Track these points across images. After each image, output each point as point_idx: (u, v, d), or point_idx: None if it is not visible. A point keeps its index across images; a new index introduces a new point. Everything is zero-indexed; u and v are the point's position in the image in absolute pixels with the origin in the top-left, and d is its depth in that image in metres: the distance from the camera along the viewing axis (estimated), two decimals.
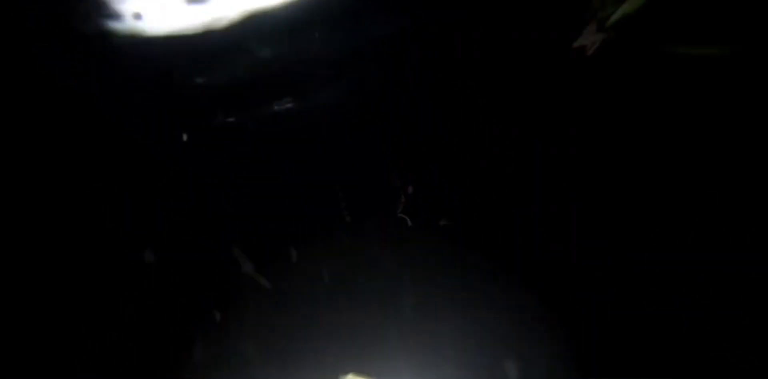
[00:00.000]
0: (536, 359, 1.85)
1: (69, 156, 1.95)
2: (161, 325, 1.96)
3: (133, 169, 2.00)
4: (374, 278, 1.96)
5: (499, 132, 2.01)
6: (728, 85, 1.86)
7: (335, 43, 1.93)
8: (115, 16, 1.80)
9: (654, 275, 1.87)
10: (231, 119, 2.02)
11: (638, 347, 1.81)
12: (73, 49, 1.82)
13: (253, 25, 1.83)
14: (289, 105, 2.02)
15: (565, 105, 1.97)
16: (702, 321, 1.80)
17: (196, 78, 1.92)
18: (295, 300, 1.98)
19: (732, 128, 1.89)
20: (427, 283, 1.95)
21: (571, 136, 1.98)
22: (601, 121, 1.97)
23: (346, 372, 1.78)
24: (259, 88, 2.02)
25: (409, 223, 1.98)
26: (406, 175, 2.06)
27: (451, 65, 2.00)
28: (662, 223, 1.91)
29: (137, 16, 1.77)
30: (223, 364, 1.92)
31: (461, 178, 2.03)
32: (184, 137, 2.00)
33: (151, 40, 1.77)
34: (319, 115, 2.03)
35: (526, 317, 1.87)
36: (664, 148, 1.93)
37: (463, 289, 1.92)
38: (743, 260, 1.83)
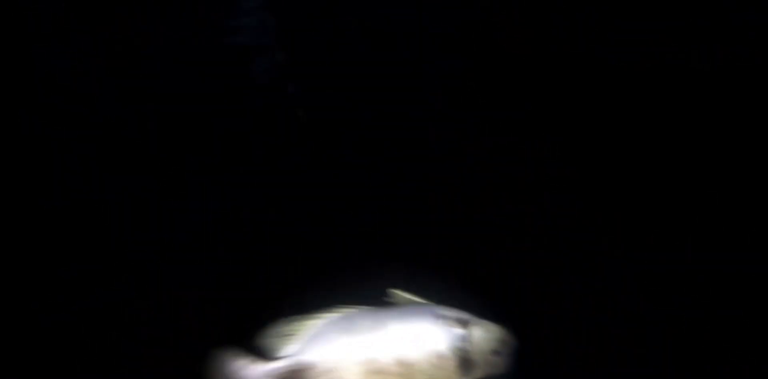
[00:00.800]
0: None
1: (68, 155, 1.97)
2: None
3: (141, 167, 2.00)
4: None
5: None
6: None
7: None
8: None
9: (653, 275, 1.87)
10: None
11: (637, 347, 1.81)
12: (73, 49, 1.84)
13: None
14: None
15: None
16: (702, 321, 1.79)
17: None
18: None
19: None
20: None
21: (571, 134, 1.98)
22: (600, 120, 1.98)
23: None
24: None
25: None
26: None
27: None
28: (661, 223, 1.91)
29: None
30: None
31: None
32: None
33: None
34: None
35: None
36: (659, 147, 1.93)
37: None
38: (743, 260, 1.83)
